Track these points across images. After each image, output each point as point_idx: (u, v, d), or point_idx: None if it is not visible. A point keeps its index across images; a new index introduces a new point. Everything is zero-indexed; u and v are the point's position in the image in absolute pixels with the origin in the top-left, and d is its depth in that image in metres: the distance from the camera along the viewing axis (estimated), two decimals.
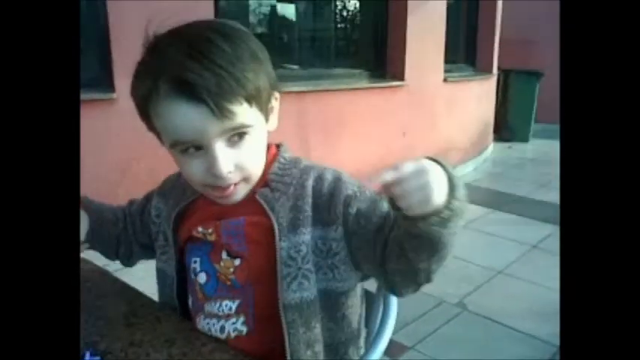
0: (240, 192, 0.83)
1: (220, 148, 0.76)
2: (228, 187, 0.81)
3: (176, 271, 0.95)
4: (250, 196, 0.85)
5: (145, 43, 0.79)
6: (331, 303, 0.87)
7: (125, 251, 1.06)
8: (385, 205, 0.81)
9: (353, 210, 0.82)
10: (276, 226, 0.83)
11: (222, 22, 0.80)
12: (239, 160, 0.79)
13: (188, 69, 0.72)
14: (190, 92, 0.72)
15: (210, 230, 0.88)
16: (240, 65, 0.74)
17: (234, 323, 0.88)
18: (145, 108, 0.77)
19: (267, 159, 0.87)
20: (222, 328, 0.88)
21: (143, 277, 1.11)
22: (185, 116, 0.74)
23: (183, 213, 0.93)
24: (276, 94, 0.85)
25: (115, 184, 2.70)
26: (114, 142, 2.77)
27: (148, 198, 1.03)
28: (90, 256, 1.12)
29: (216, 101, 0.72)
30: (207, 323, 0.90)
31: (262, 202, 0.85)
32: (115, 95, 2.71)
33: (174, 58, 0.73)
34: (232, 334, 0.88)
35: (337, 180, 0.85)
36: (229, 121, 0.75)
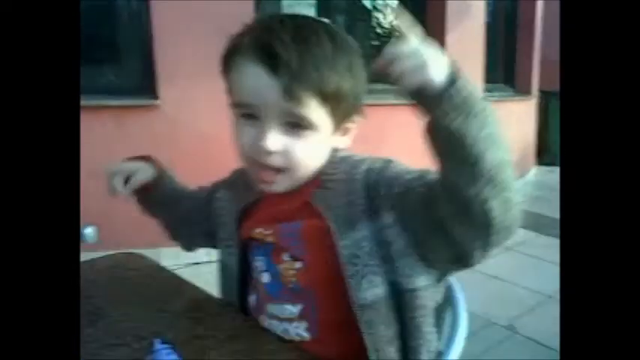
0: (280, 183, 0.82)
1: (275, 125, 0.77)
2: (269, 169, 0.80)
3: (238, 267, 0.91)
4: (305, 199, 0.83)
5: (259, 19, 0.83)
6: (398, 301, 0.80)
7: (187, 233, 1.07)
8: (433, 176, 0.74)
9: (400, 189, 0.77)
10: (332, 227, 0.79)
11: (339, 30, 0.81)
12: (289, 148, 0.78)
13: (283, 43, 0.73)
14: (272, 61, 0.73)
15: (269, 232, 0.85)
16: (330, 64, 0.75)
17: (296, 327, 0.83)
18: (228, 60, 0.80)
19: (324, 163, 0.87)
20: (286, 331, 0.84)
21: (196, 276, 1.07)
22: (256, 80, 0.75)
23: (247, 210, 0.91)
24: (356, 117, 0.85)
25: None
26: (155, 147, 2.75)
27: (215, 187, 1.02)
28: (149, 253, 1.15)
29: (290, 81, 0.73)
30: (270, 324, 0.86)
31: (317, 203, 0.82)
32: (158, 102, 2.75)
33: (277, 32, 0.75)
34: (296, 338, 0.83)
35: (385, 167, 0.81)
36: (293, 106, 0.75)
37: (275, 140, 0.77)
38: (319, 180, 0.84)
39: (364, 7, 4.41)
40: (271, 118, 0.76)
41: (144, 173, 1.01)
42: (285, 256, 0.85)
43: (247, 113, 0.79)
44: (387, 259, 0.79)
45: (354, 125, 0.86)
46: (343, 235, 0.79)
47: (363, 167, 0.82)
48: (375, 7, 4.59)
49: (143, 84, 2.79)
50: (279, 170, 0.80)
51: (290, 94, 0.73)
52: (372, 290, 0.79)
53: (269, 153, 0.77)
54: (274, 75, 0.73)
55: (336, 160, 0.86)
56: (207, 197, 1.03)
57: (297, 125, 0.77)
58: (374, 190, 0.79)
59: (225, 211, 0.96)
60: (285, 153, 0.78)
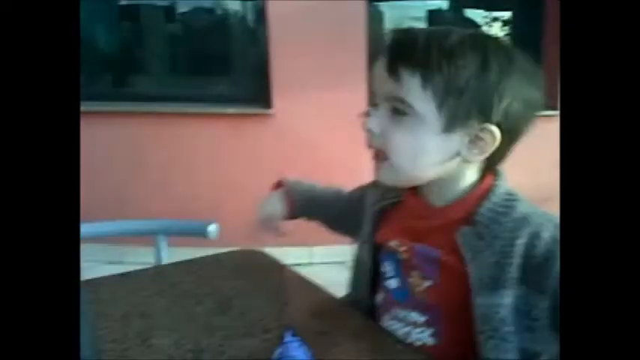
0: (383, 171, 0.80)
1: (383, 109, 0.77)
2: (375, 154, 0.79)
3: (370, 264, 0.91)
4: (450, 231, 0.78)
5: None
6: None
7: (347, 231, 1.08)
8: None
9: None
10: (473, 279, 0.74)
11: (508, 47, 0.81)
12: (388, 131, 0.77)
13: (406, 32, 0.77)
14: (388, 47, 0.77)
15: (404, 248, 0.83)
16: (448, 49, 0.72)
17: (420, 332, 0.81)
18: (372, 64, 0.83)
19: (478, 190, 0.79)
20: (408, 334, 0.82)
21: (315, 275, 1.07)
22: (378, 67, 0.78)
23: (385, 211, 0.90)
24: (491, 128, 0.74)
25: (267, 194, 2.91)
26: (269, 154, 2.97)
27: (365, 186, 1.01)
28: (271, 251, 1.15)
29: (394, 58, 0.75)
30: (392, 324, 0.85)
31: (463, 245, 0.76)
32: (272, 111, 2.92)
33: (419, 32, 0.77)
34: (417, 343, 0.81)
35: (556, 242, 0.72)
36: (392, 85, 0.75)
37: (375, 120, 0.77)
38: (471, 216, 0.78)
39: (472, 20, 4.29)
40: (381, 102, 0.77)
41: (280, 212, 1.07)
42: (415, 273, 0.82)
43: (372, 105, 0.80)
44: (525, 329, 0.74)
45: (490, 138, 0.75)
46: (481, 293, 0.74)
47: (528, 231, 0.74)
48: (484, 21, 4.46)
49: (259, 94, 2.99)
50: (382, 156, 0.79)
51: (391, 70, 0.74)
52: (497, 353, 0.74)
53: (369, 132, 0.78)
54: (385, 57, 0.76)
55: (500, 204, 0.78)
56: (360, 195, 1.01)
57: (400, 112, 0.76)
58: (537, 265, 0.73)
59: (368, 209, 0.94)
60: (384, 135, 0.77)
